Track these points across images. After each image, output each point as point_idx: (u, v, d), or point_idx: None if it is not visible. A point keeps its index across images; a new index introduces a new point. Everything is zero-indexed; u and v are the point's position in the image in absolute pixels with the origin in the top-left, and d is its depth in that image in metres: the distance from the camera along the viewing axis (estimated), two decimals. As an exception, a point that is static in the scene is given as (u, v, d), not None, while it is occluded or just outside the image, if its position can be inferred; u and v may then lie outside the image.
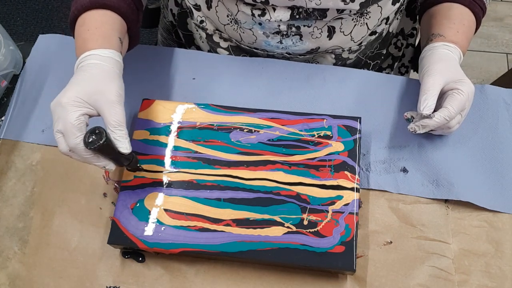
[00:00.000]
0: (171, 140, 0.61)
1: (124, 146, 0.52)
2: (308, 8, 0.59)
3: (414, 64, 0.85)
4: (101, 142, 0.48)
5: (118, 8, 0.58)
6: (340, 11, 0.59)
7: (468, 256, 0.57)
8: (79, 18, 0.57)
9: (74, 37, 0.59)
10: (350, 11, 0.59)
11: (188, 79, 0.69)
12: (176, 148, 0.60)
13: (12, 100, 0.68)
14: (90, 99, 0.51)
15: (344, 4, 0.57)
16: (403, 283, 0.55)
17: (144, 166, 0.59)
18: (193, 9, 0.70)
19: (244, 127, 0.61)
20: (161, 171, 0.58)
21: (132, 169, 0.58)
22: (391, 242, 0.58)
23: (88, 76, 0.52)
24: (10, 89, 0.70)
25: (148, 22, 0.96)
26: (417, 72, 0.67)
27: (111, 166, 0.53)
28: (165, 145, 0.60)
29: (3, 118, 0.67)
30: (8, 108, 0.68)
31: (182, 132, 0.61)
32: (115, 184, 0.62)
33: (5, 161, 0.64)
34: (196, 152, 0.59)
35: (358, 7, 0.58)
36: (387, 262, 0.56)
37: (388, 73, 0.81)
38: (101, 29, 0.56)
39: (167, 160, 0.59)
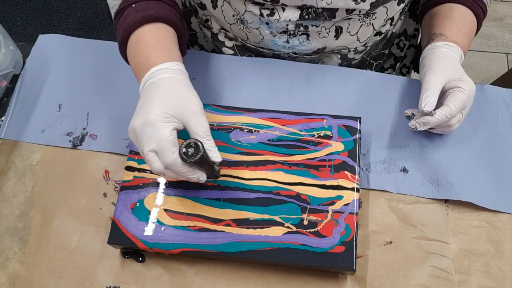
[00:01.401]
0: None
1: (216, 155, 0.51)
2: (318, 8, 0.59)
3: (416, 65, 0.85)
4: (200, 154, 0.48)
5: (170, 20, 0.57)
6: (349, 11, 0.59)
7: (468, 256, 0.57)
8: (132, 35, 0.56)
9: (126, 58, 0.58)
10: (360, 11, 0.59)
11: (188, 79, 0.69)
12: (176, 148, 0.60)
13: (12, 100, 0.68)
14: (176, 113, 0.50)
15: (355, 4, 0.57)
16: (403, 283, 0.55)
17: (145, 166, 0.59)
18: (198, 8, 0.70)
19: (244, 127, 0.61)
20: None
21: (215, 178, 0.57)
22: (391, 242, 0.58)
23: (166, 90, 0.51)
24: (10, 89, 0.70)
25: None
26: (418, 73, 0.67)
27: (204, 177, 0.52)
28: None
29: (3, 118, 0.67)
30: (8, 108, 0.68)
31: (182, 132, 0.61)
32: (115, 184, 0.62)
33: (5, 161, 0.64)
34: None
35: (368, 7, 0.58)
36: (387, 262, 0.56)
37: (389, 73, 0.81)
38: (161, 43, 0.55)
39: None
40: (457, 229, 0.58)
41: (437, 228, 0.58)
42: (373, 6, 0.58)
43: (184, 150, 0.48)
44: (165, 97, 0.51)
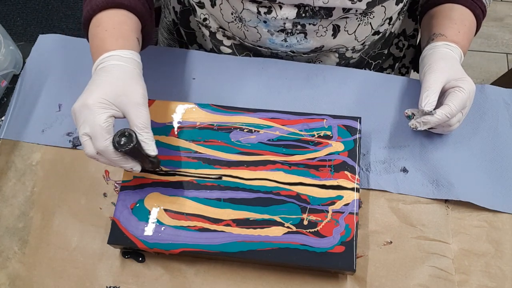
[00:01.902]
0: (171, 140, 0.61)
1: (151, 148, 0.52)
2: (315, 7, 0.59)
3: (415, 65, 0.85)
4: (132, 144, 0.48)
5: (133, 8, 0.57)
6: (346, 10, 0.59)
7: (468, 256, 0.57)
8: (94, 18, 0.56)
9: (88, 38, 0.58)
10: (356, 11, 0.59)
11: (188, 79, 0.69)
12: (176, 148, 0.60)
13: (12, 100, 0.68)
14: (115, 101, 0.50)
15: (352, 3, 0.57)
16: (403, 283, 0.55)
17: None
18: (196, 7, 0.70)
19: (244, 127, 0.61)
20: (161, 171, 0.58)
21: (154, 169, 0.58)
22: (391, 242, 0.58)
23: (112, 77, 0.52)
24: (10, 89, 0.70)
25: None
26: (418, 73, 0.67)
27: (137, 167, 0.53)
28: (165, 145, 0.60)
29: (3, 118, 0.67)
30: (8, 108, 0.68)
31: (182, 132, 0.61)
32: (115, 184, 0.62)
33: (5, 161, 0.64)
34: (196, 152, 0.59)
35: (365, 7, 0.58)
36: (387, 262, 0.56)
37: (388, 73, 0.81)
38: (119, 29, 0.55)
39: (167, 160, 0.59)
40: (457, 229, 0.58)
41: (437, 228, 0.58)
42: (370, 5, 0.58)
43: (117, 139, 0.49)
44: (108, 84, 0.51)
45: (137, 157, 0.52)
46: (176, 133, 0.61)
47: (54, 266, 0.57)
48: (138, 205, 0.57)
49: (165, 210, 0.56)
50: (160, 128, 0.61)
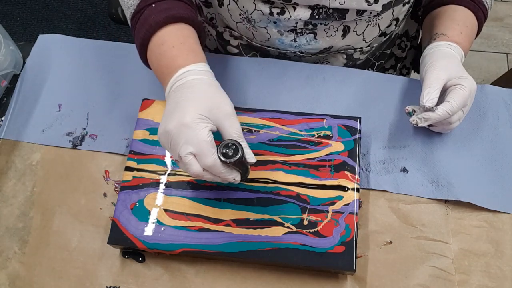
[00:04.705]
0: (171, 140, 0.60)
1: (251, 156, 0.51)
2: (329, 9, 0.59)
3: (415, 66, 0.85)
4: (239, 154, 0.47)
5: (191, 20, 0.55)
6: (360, 13, 0.59)
7: (468, 256, 0.57)
8: (154, 36, 0.54)
9: (145, 59, 0.56)
10: (371, 13, 0.59)
11: (188, 79, 0.69)
12: (176, 148, 0.60)
13: (12, 100, 0.68)
14: (209, 115, 0.49)
15: (368, 5, 0.57)
16: (403, 283, 0.55)
17: (144, 166, 0.59)
18: (202, 6, 0.70)
19: (244, 127, 0.61)
20: (161, 171, 0.58)
21: (245, 179, 0.57)
22: (391, 242, 0.58)
23: (199, 92, 0.50)
24: (10, 89, 0.70)
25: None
26: (418, 73, 0.67)
27: (239, 177, 0.52)
28: (165, 145, 0.60)
29: (3, 118, 0.67)
30: (8, 108, 0.68)
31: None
32: (115, 184, 0.62)
33: (5, 161, 0.64)
34: None
35: (380, 9, 0.58)
36: (387, 262, 0.56)
37: (390, 73, 0.81)
38: (186, 43, 0.54)
39: (167, 160, 0.59)
40: (457, 229, 0.58)
41: (437, 228, 0.58)
42: (385, 7, 0.58)
43: (223, 151, 0.48)
44: (198, 99, 0.49)
45: (240, 166, 0.51)
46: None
47: (54, 266, 0.57)
48: (138, 205, 0.57)
49: (165, 210, 0.56)
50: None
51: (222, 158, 0.48)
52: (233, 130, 0.49)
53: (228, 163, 0.48)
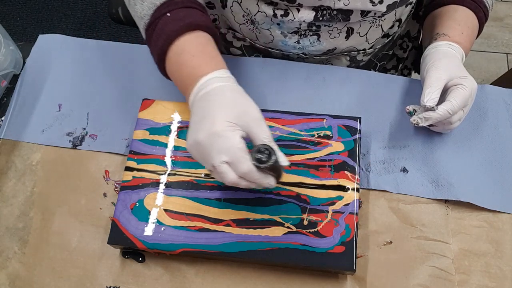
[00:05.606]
0: (171, 140, 0.61)
1: (283, 159, 0.49)
2: (333, 10, 0.58)
3: (416, 66, 0.85)
4: (274, 158, 0.47)
5: (208, 27, 0.54)
6: (364, 14, 0.59)
7: (468, 256, 0.57)
8: (172, 46, 0.53)
9: (164, 69, 0.55)
10: (375, 14, 0.59)
11: (188, 79, 0.69)
12: (176, 148, 0.60)
13: (12, 100, 0.68)
14: (239, 121, 0.48)
15: (372, 5, 0.56)
16: (403, 283, 0.55)
17: (144, 166, 0.59)
18: (205, 7, 0.70)
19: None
20: (161, 171, 0.58)
21: (278, 182, 0.55)
22: (391, 242, 0.58)
23: (226, 99, 0.49)
24: (10, 89, 0.70)
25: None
26: (419, 74, 0.67)
27: (273, 182, 0.50)
28: (165, 145, 0.60)
29: (3, 118, 0.67)
30: (8, 108, 0.68)
31: (182, 132, 0.61)
32: (115, 184, 0.62)
33: (5, 161, 0.64)
34: None
35: (385, 9, 0.57)
36: (387, 262, 0.56)
37: (392, 74, 0.82)
38: (205, 51, 0.53)
39: (167, 160, 0.59)
40: (457, 229, 0.58)
41: (437, 228, 0.58)
42: (389, 8, 0.58)
43: (257, 156, 0.47)
44: (226, 106, 0.48)
45: (275, 170, 0.50)
46: (176, 133, 0.61)
47: (54, 266, 0.57)
48: (138, 205, 0.57)
49: (165, 210, 0.56)
50: (160, 128, 0.61)
51: (256, 163, 0.47)
52: (263, 134, 0.48)
53: (263, 168, 0.47)
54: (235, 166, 0.47)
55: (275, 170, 0.49)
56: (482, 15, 0.65)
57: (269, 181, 0.49)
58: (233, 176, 0.47)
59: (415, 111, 0.59)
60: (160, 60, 0.54)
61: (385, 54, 0.76)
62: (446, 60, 0.60)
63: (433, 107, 0.56)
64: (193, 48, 0.53)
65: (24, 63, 0.72)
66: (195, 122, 0.49)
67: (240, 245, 0.54)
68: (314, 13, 0.59)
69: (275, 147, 0.48)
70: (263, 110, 0.61)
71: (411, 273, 0.56)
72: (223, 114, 0.48)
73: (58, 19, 1.75)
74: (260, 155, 0.47)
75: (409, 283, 0.55)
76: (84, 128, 0.65)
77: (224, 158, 0.46)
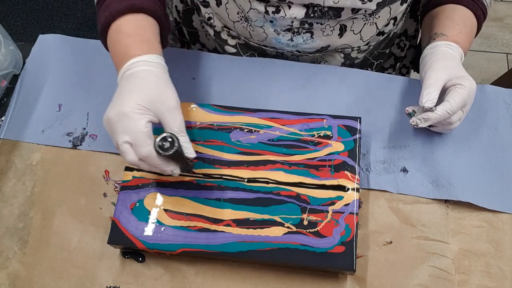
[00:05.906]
0: (171, 140, 0.61)
1: (190, 151, 0.52)
2: (324, 7, 0.59)
3: (415, 65, 0.85)
4: (175, 148, 0.48)
5: (153, 11, 0.56)
6: (355, 11, 0.59)
7: (468, 256, 0.57)
8: (113, 24, 0.55)
9: (106, 44, 0.57)
10: (366, 11, 0.59)
11: (188, 79, 0.69)
12: (176, 148, 0.60)
13: (12, 100, 0.68)
14: (151, 106, 0.50)
15: (362, 3, 0.57)
16: (403, 283, 0.55)
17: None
18: (200, 6, 0.70)
19: (244, 127, 0.61)
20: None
21: (188, 172, 0.57)
22: (391, 242, 0.58)
23: (144, 83, 0.51)
24: (10, 89, 0.70)
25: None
26: (418, 73, 0.67)
27: (177, 170, 0.53)
28: (165, 145, 0.60)
29: (3, 118, 0.67)
30: (8, 108, 0.68)
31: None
32: (115, 184, 0.62)
33: (5, 161, 0.64)
34: (196, 152, 0.59)
35: (374, 7, 0.58)
36: (387, 262, 0.56)
37: (389, 73, 0.82)
38: (142, 34, 0.54)
39: (167, 160, 0.59)
40: (457, 229, 0.58)
41: (437, 228, 0.58)
42: (379, 6, 0.58)
43: (159, 143, 0.49)
44: (142, 89, 0.51)
45: (178, 160, 0.51)
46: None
47: (54, 266, 0.57)
48: (138, 205, 0.57)
49: (165, 210, 0.56)
50: (160, 128, 0.61)
51: (157, 150, 0.49)
52: (174, 123, 0.50)
53: (163, 155, 0.49)
54: (136, 148, 0.49)
55: (179, 159, 0.51)
56: (480, 13, 0.65)
57: (171, 169, 0.52)
58: (133, 157, 0.50)
59: (415, 112, 0.59)
60: (102, 35, 0.57)
61: (382, 52, 0.76)
62: (444, 61, 0.60)
63: (432, 108, 0.56)
64: (131, 29, 0.54)
65: (24, 63, 0.72)
66: (113, 100, 0.51)
67: (240, 245, 0.54)
68: (305, 9, 0.59)
69: (184, 138, 0.51)
70: (263, 110, 0.62)
71: (411, 273, 0.56)
72: (136, 96, 0.50)
73: (58, 19, 1.75)
74: (163, 143, 0.49)
75: (409, 283, 0.55)
76: (84, 128, 0.65)
77: (126, 138, 0.49)
